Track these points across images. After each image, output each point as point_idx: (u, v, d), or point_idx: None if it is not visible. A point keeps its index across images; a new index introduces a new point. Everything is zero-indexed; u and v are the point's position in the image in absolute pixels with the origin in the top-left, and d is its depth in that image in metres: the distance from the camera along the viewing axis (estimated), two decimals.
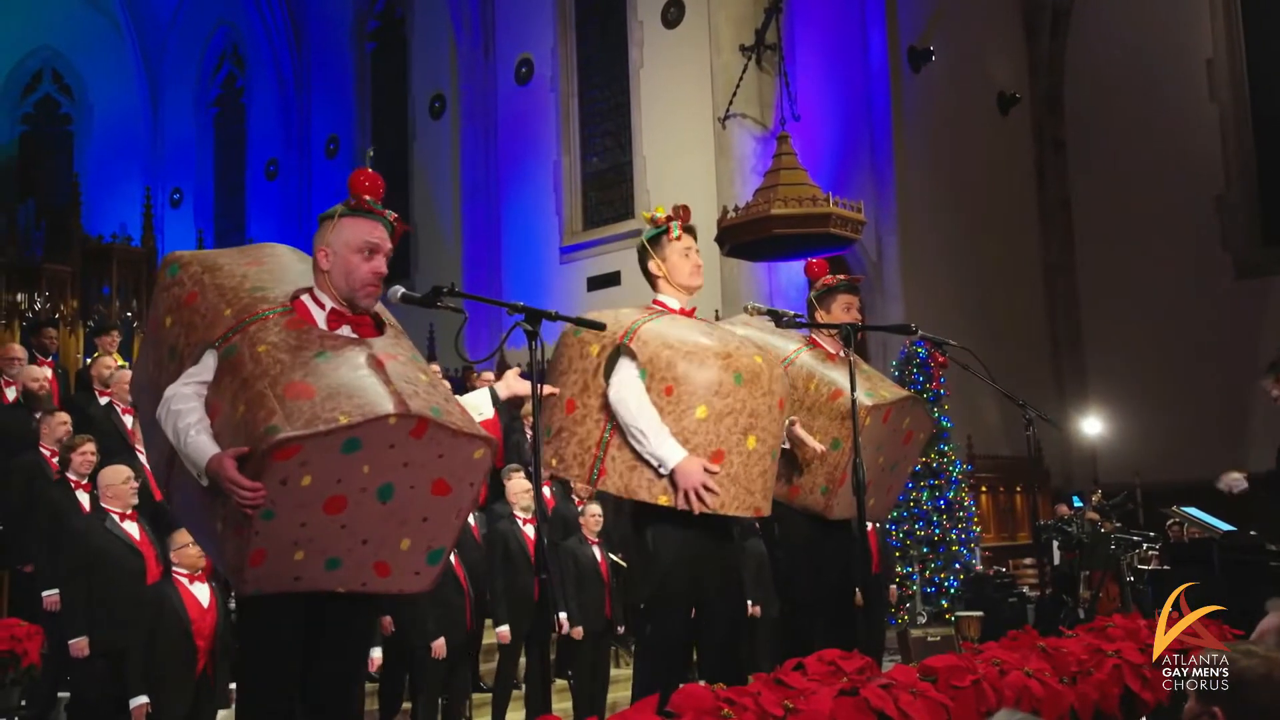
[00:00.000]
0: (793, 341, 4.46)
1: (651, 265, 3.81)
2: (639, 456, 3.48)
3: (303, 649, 2.78)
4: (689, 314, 3.77)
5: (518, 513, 6.50)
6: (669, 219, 3.79)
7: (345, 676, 2.94)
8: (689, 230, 3.81)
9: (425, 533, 2.80)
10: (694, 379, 3.44)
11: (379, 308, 3.00)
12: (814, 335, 4.50)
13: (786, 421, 3.85)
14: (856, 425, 3.86)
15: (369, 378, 2.66)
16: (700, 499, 3.40)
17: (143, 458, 5.82)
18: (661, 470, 3.43)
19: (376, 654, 5.72)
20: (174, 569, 4.76)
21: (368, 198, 2.91)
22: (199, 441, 2.62)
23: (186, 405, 2.69)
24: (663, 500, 3.47)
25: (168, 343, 2.89)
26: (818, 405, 4.19)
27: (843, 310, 4.47)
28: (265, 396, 2.57)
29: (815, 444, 4.01)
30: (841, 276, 4.60)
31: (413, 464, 2.68)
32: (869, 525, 5.13)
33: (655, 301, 3.80)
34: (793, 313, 4.29)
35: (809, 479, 4.19)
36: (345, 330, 2.83)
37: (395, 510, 2.71)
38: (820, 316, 4.47)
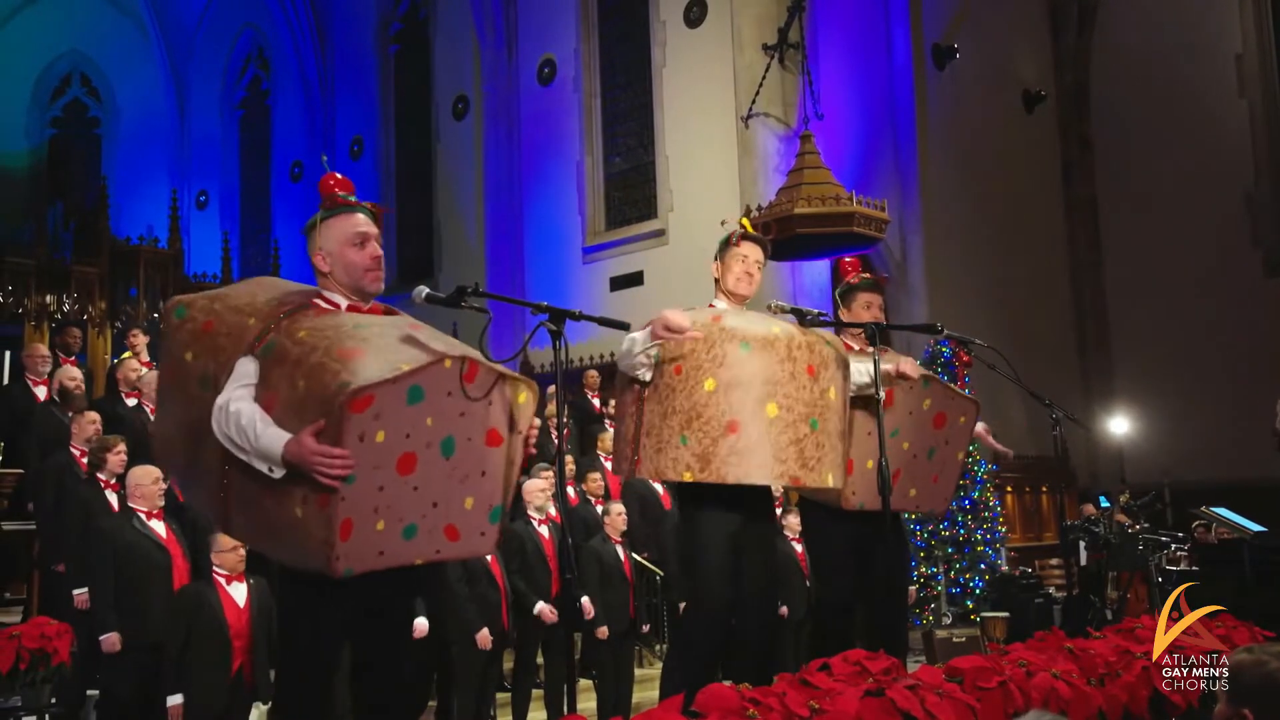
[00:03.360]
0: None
1: (713, 268, 3.98)
2: (661, 438, 3.56)
3: (345, 640, 2.84)
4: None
5: (532, 513, 6.50)
6: (738, 227, 3.96)
7: (395, 665, 2.97)
8: (749, 238, 3.94)
9: (485, 488, 2.88)
10: (699, 353, 3.53)
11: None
12: (837, 333, 4.51)
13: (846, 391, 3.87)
14: (881, 425, 3.84)
15: (410, 336, 2.80)
16: (677, 325, 3.44)
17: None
18: (647, 347, 3.50)
19: (422, 623, 5.70)
20: (214, 570, 4.86)
21: (340, 192, 3.00)
22: (269, 433, 2.62)
23: (242, 406, 2.69)
24: (686, 477, 3.55)
25: (195, 376, 2.91)
26: None
27: (863, 308, 4.50)
28: (325, 364, 2.63)
29: (908, 367, 4.10)
30: (865, 275, 4.63)
31: (468, 413, 2.79)
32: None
33: (710, 305, 3.92)
34: (816, 311, 4.28)
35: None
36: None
37: (458, 465, 2.79)
38: (843, 314, 4.52)
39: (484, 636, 5.85)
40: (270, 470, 2.63)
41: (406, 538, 2.72)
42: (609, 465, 7.64)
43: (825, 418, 3.64)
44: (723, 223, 4.00)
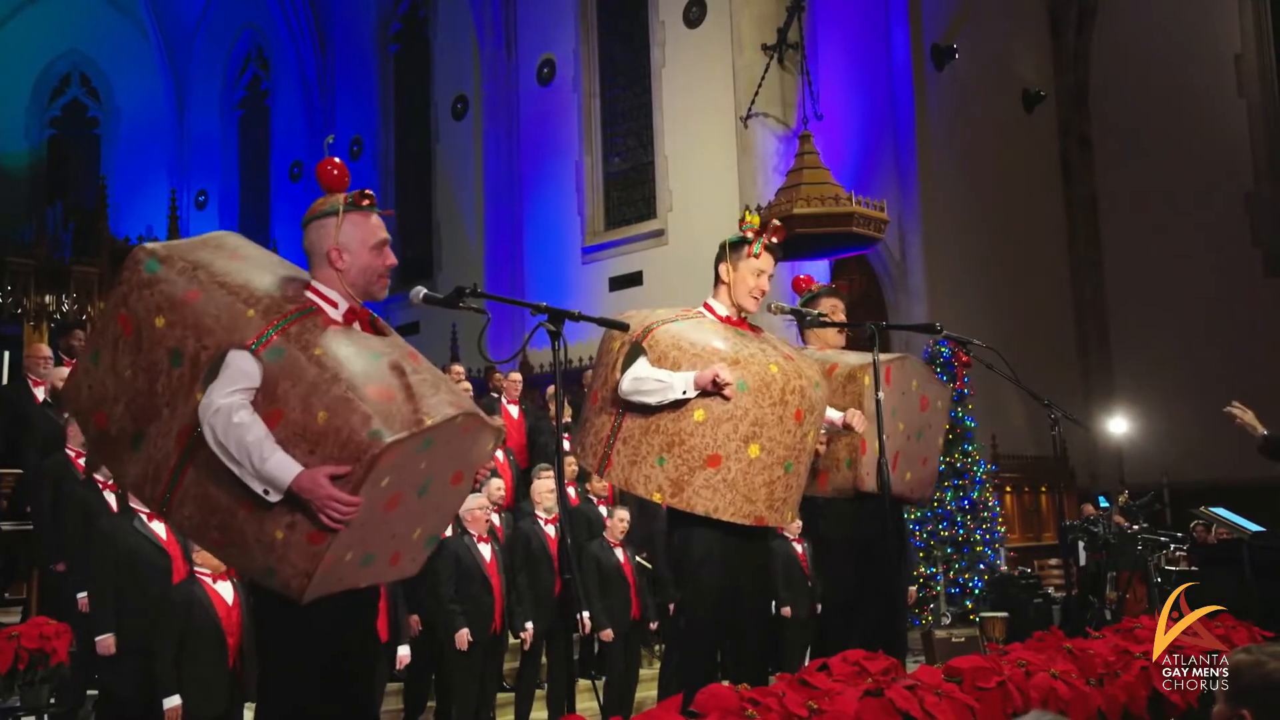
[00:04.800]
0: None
1: (721, 269, 3.78)
2: (639, 451, 3.54)
3: (328, 653, 2.81)
4: (736, 323, 3.76)
5: (539, 513, 6.52)
6: (757, 234, 3.74)
7: (369, 672, 2.98)
8: (771, 250, 3.75)
9: (434, 521, 2.91)
10: None
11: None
12: (809, 334, 4.62)
13: (822, 428, 3.86)
14: (881, 424, 3.84)
15: (418, 377, 2.74)
16: (721, 379, 3.42)
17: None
18: (687, 393, 3.45)
19: (404, 651, 5.75)
20: (197, 569, 4.80)
21: (368, 191, 2.93)
22: (279, 459, 2.53)
23: (245, 417, 2.55)
24: (656, 498, 3.55)
25: (166, 345, 2.70)
26: None
27: (829, 313, 4.53)
28: (351, 401, 2.54)
29: (856, 420, 4.01)
30: (819, 284, 4.75)
31: (450, 458, 2.78)
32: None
33: (705, 304, 3.81)
34: (816, 312, 4.31)
35: (831, 459, 4.22)
36: (356, 328, 2.85)
37: (424, 502, 2.79)
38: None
39: (461, 637, 5.83)
40: (266, 493, 2.55)
41: (364, 565, 2.73)
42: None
43: (800, 460, 3.66)
44: (749, 217, 3.79)
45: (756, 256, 3.71)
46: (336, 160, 2.92)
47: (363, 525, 2.62)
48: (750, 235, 3.74)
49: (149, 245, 2.88)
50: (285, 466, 2.53)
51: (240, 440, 2.53)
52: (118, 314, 2.80)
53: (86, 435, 2.98)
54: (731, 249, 3.75)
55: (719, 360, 3.49)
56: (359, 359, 2.67)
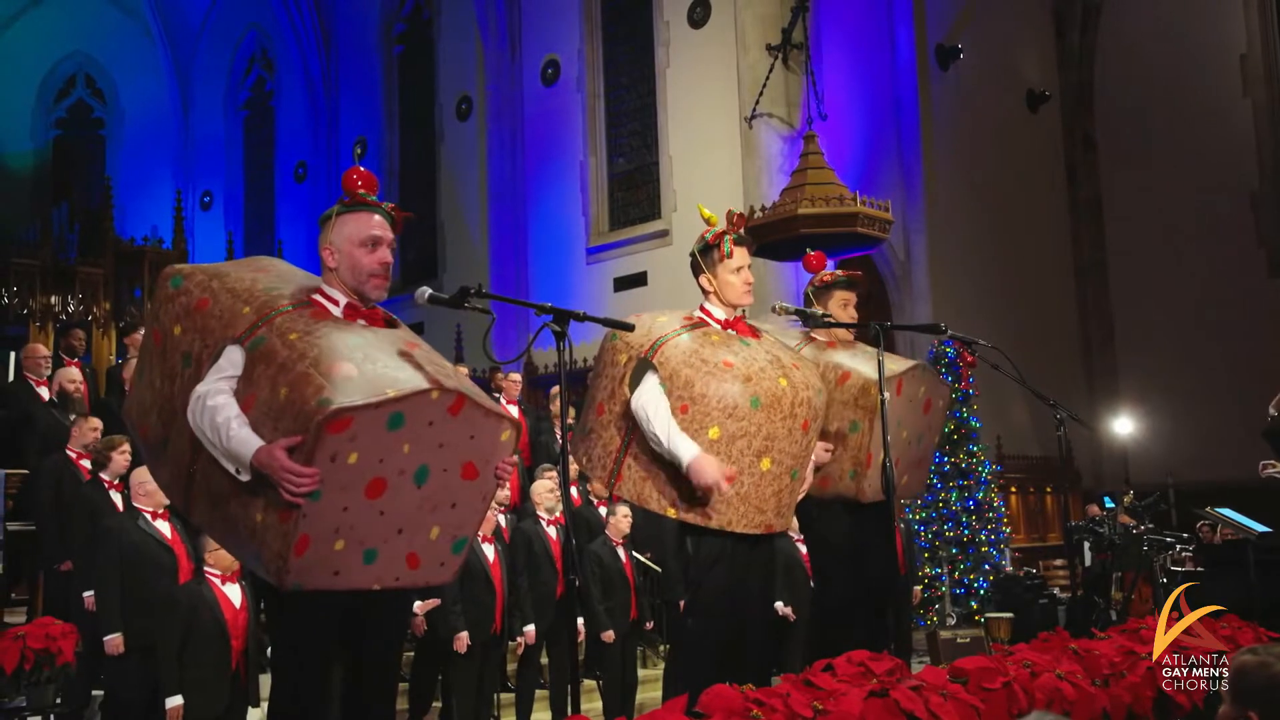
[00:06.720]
0: (792, 338, 4.47)
1: (702, 280, 3.76)
2: (652, 467, 3.54)
3: (341, 649, 2.80)
4: (735, 323, 3.75)
5: (540, 513, 6.51)
6: (721, 234, 3.70)
7: (385, 676, 2.96)
8: (741, 242, 3.71)
9: (453, 520, 2.85)
10: (709, 400, 3.46)
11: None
12: (813, 331, 4.49)
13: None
14: (885, 423, 3.84)
15: (403, 358, 2.73)
16: (718, 490, 3.42)
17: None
18: (681, 463, 3.46)
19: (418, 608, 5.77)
20: (207, 570, 4.80)
21: (361, 191, 2.93)
22: (241, 435, 2.58)
23: (220, 400, 2.64)
24: (670, 513, 3.56)
25: (180, 350, 2.84)
26: (828, 391, 4.11)
27: (839, 307, 4.44)
28: (310, 375, 2.57)
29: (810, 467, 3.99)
30: (840, 273, 4.54)
31: (447, 445, 2.74)
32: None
33: (702, 309, 3.78)
34: (821, 312, 4.30)
35: (836, 466, 4.22)
36: (361, 323, 2.86)
37: (429, 495, 2.75)
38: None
39: (461, 640, 5.82)
40: (238, 472, 2.60)
41: (366, 561, 2.69)
42: None
43: (804, 466, 3.72)
44: (705, 216, 3.75)
45: (730, 256, 3.68)
46: (362, 169, 2.96)
47: (344, 510, 2.60)
48: (713, 240, 3.71)
49: (177, 265, 3.10)
50: (247, 442, 2.57)
51: (212, 421, 2.63)
52: (153, 329, 3.01)
53: (139, 447, 3.21)
54: (703, 258, 3.72)
55: (732, 378, 3.47)
56: (338, 343, 2.69)
